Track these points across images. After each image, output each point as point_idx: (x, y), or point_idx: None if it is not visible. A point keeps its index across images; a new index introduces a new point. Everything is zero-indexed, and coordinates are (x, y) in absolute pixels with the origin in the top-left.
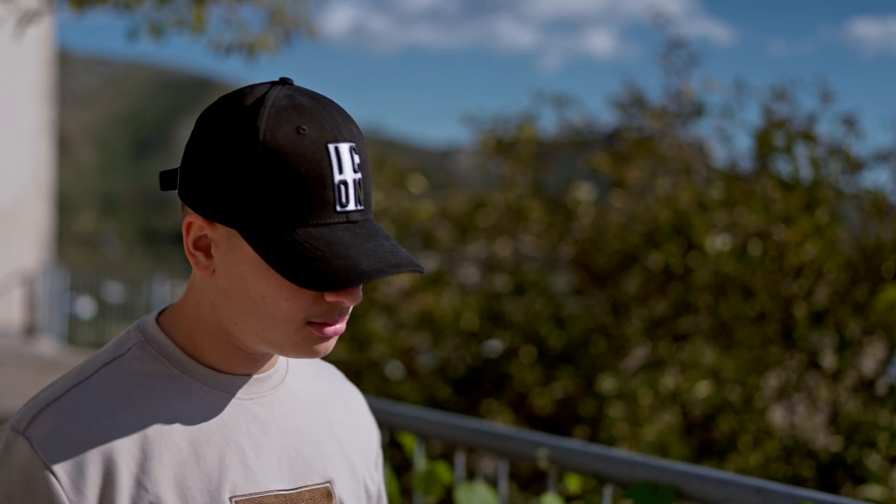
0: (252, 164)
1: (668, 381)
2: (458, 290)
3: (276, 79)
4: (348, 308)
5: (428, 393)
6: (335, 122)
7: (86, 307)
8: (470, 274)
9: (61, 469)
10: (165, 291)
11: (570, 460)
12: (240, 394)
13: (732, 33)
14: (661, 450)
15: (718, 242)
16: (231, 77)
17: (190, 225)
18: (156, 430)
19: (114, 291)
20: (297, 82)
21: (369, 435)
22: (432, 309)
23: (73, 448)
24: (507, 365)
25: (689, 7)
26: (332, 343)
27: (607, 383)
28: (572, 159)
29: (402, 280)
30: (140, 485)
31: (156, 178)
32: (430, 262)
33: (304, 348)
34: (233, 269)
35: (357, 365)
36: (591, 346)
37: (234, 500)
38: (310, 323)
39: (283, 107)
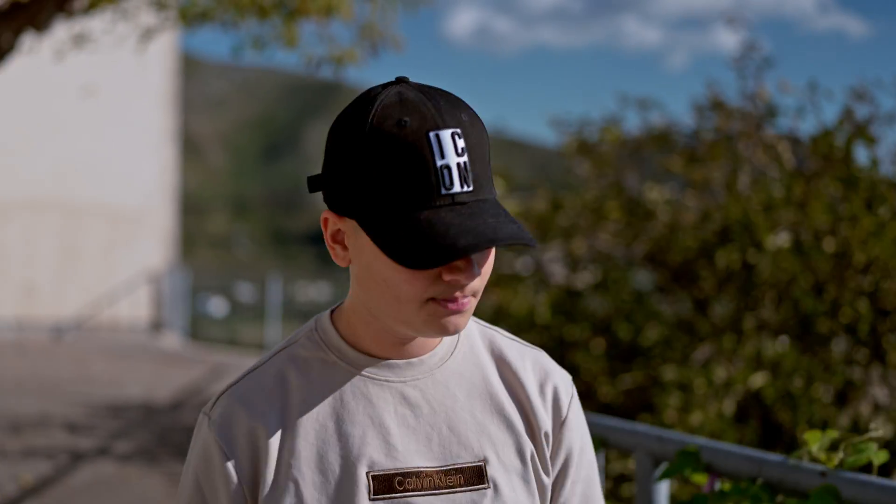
0: (360, 157)
1: (721, 371)
2: (532, 287)
3: (393, 79)
4: (471, 287)
5: None
6: (439, 110)
7: (218, 306)
8: (555, 272)
9: (225, 444)
10: (294, 291)
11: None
12: (391, 376)
13: (867, 27)
14: (712, 437)
15: (780, 240)
16: (358, 81)
17: (326, 220)
18: (306, 410)
19: (244, 291)
20: (427, 82)
21: (541, 423)
22: (508, 303)
23: (237, 426)
24: (576, 356)
25: (822, 1)
26: (462, 319)
27: (669, 373)
28: (653, 161)
29: None
30: (286, 458)
31: (285, 180)
32: (506, 262)
33: (433, 325)
34: (360, 258)
35: None
36: (664, 340)
37: (370, 475)
38: (433, 301)
39: (390, 103)
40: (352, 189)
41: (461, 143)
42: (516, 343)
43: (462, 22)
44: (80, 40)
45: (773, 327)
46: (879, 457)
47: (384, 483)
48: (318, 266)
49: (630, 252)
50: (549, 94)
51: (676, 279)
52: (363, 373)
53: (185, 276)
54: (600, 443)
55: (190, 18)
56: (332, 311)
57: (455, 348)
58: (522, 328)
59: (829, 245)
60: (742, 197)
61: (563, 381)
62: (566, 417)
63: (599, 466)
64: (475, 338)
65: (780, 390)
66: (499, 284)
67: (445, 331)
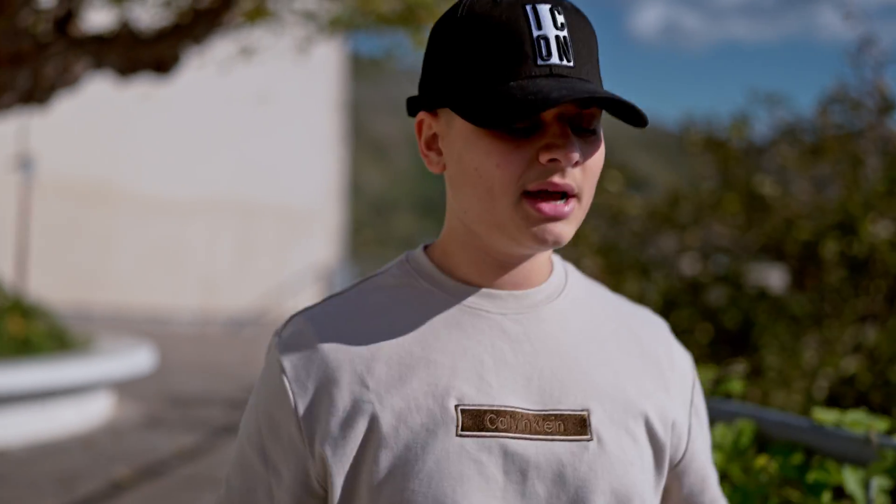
0: (455, 41)
1: (812, 355)
2: (639, 276)
3: None
4: (573, 178)
5: None
6: None
7: None
8: (686, 265)
9: (290, 365)
10: None
11: None
12: (490, 307)
13: None
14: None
15: (880, 230)
16: None
17: (420, 125)
18: (390, 336)
19: None
20: (612, 81)
21: (668, 385)
22: (615, 289)
23: (307, 349)
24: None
25: None
26: (565, 228)
27: (768, 359)
28: (775, 156)
29: (590, 270)
30: (362, 382)
31: None
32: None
33: (529, 231)
34: (453, 151)
35: None
36: (774, 329)
37: (459, 408)
38: (528, 199)
39: None
40: (446, 76)
41: (561, 18)
42: (631, 303)
43: (649, 19)
44: (245, 52)
45: (879, 316)
46: (735, 384)
47: (475, 418)
48: None
49: (745, 242)
50: (739, 90)
51: (794, 272)
52: (459, 301)
53: (355, 272)
54: None
55: (333, 28)
56: (426, 247)
57: (564, 289)
58: None
59: None
60: (853, 191)
61: (681, 347)
62: (694, 384)
63: None
64: (590, 286)
65: (876, 375)
66: (610, 273)
67: (544, 240)
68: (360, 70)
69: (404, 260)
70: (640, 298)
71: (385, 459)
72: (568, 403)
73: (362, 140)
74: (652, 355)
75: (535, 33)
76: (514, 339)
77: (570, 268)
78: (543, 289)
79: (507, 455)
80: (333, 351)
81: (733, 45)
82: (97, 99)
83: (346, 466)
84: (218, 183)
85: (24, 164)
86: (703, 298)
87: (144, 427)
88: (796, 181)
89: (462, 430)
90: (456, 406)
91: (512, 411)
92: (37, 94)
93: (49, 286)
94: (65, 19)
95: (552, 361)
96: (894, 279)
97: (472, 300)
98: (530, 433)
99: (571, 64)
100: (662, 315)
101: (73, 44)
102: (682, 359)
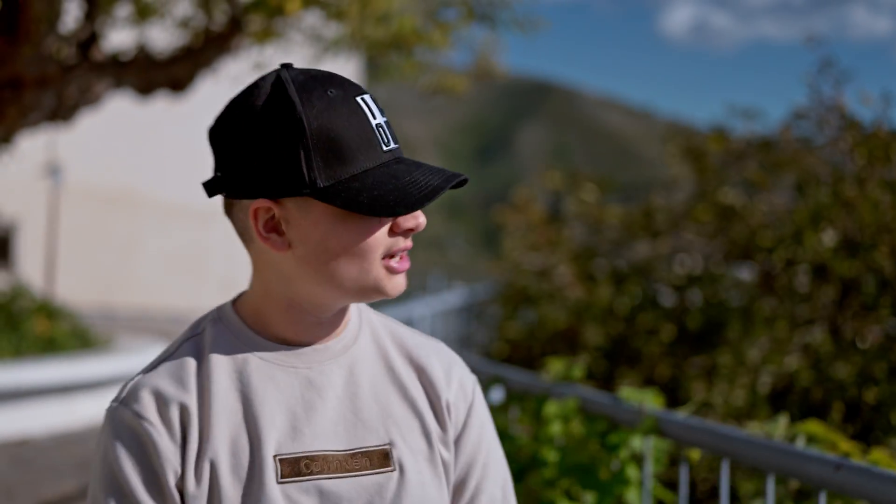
0: (301, 132)
1: (754, 353)
2: (611, 282)
3: (279, 67)
4: (410, 242)
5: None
6: (348, 81)
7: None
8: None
9: (156, 420)
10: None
11: None
12: (297, 363)
13: None
14: (731, 409)
15: (826, 239)
16: (568, 80)
17: (256, 212)
18: (217, 396)
19: (458, 292)
20: (641, 81)
21: (448, 407)
22: (590, 297)
23: (161, 407)
24: (640, 341)
25: None
26: (404, 281)
27: (719, 358)
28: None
29: (565, 277)
30: (203, 441)
31: (498, 182)
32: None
33: (387, 285)
34: (311, 234)
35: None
36: (729, 330)
37: (277, 458)
38: (387, 260)
39: (303, 81)
40: (295, 166)
41: (378, 105)
42: (418, 334)
43: (678, 18)
44: (258, 67)
45: (828, 319)
46: (577, 371)
47: (291, 466)
48: None
49: (712, 249)
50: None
51: (759, 276)
52: (272, 360)
53: None
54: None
55: (336, 49)
56: (235, 301)
57: (359, 335)
58: (600, 317)
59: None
60: (808, 202)
61: (465, 368)
62: (473, 401)
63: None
64: (377, 327)
65: (818, 374)
66: (583, 281)
67: (398, 292)
68: (385, 73)
69: (217, 319)
70: (610, 303)
71: None
72: (372, 440)
73: None
74: (433, 382)
75: (374, 123)
76: (320, 389)
77: (365, 309)
78: (342, 338)
79: (322, 494)
80: (181, 416)
81: (763, 44)
82: (121, 110)
83: None
84: None
85: (53, 171)
86: (674, 302)
87: None
88: (766, 191)
89: (282, 477)
90: (275, 456)
91: (324, 455)
92: (61, 112)
93: (75, 288)
94: (88, 42)
95: (353, 403)
96: (842, 284)
97: (282, 358)
98: (342, 472)
99: (398, 145)
100: (629, 317)
101: (93, 67)
102: (463, 381)
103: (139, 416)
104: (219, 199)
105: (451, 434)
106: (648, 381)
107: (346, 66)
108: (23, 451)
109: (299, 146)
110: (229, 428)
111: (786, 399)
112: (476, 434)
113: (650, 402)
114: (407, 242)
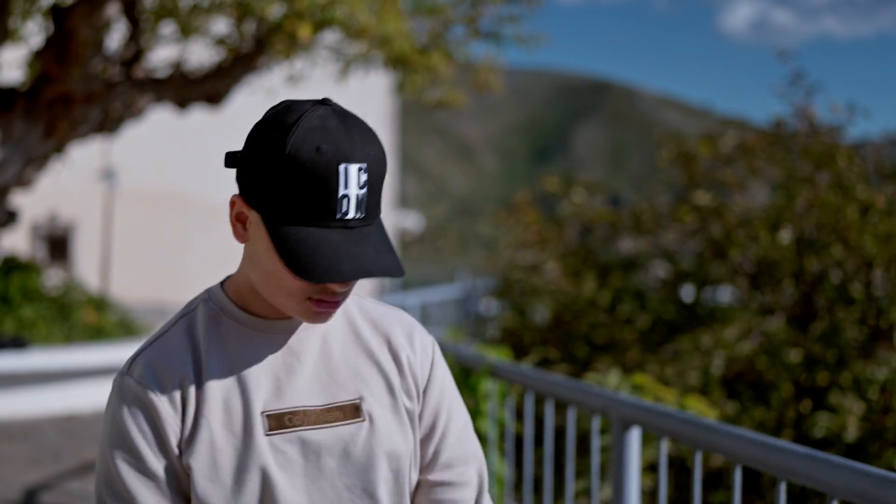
0: (277, 171)
1: (707, 339)
2: (596, 277)
3: (319, 98)
4: (344, 293)
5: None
6: (353, 144)
7: (490, 305)
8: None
9: (158, 388)
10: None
11: None
12: (276, 333)
13: None
14: (688, 389)
15: (784, 236)
16: (626, 79)
17: (234, 202)
18: (210, 365)
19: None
20: (700, 80)
21: (411, 364)
22: (576, 286)
23: (162, 377)
24: (619, 330)
25: None
26: (333, 313)
27: (682, 343)
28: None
29: (553, 273)
30: (200, 404)
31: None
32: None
33: (307, 315)
34: (256, 244)
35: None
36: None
37: (265, 414)
38: (310, 299)
39: (312, 127)
40: (263, 191)
41: (363, 178)
42: (382, 305)
43: (739, 15)
44: (292, 80)
45: (785, 309)
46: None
47: (277, 420)
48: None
49: (691, 247)
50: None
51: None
52: (256, 331)
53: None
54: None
55: (356, 65)
56: (223, 283)
57: None
58: (582, 307)
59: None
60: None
61: (423, 331)
62: (433, 359)
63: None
64: (346, 302)
65: (771, 358)
66: (570, 276)
67: (318, 321)
68: (400, 88)
69: (207, 299)
70: (593, 295)
71: (221, 458)
72: (344, 396)
73: (447, 141)
74: (396, 345)
75: (340, 193)
76: (298, 354)
77: None
78: None
79: (304, 443)
80: (181, 382)
81: (827, 40)
82: (168, 120)
83: (201, 464)
84: None
85: (108, 175)
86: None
87: None
88: (749, 193)
89: (269, 430)
90: (262, 413)
91: (304, 410)
92: (107, 125)
93: (129, 285)
94: (131, 61)
95: (328, 366)
96: (796, 278)
97: (265, 328)
98: (320, 423)
99: (363, 216)
100: (611, 307)
101: (135, 84)
102: (423, 342)
103: (143, 385)
104: None
105: (415, 388)
106: (622, 367)
107: (375, 80)
108: (71, 424)
109: (270, 178)
110: (221, 391)
111: (741, 382)
112: (439, 386)
113: (496, 355)
114: (336, 295)
